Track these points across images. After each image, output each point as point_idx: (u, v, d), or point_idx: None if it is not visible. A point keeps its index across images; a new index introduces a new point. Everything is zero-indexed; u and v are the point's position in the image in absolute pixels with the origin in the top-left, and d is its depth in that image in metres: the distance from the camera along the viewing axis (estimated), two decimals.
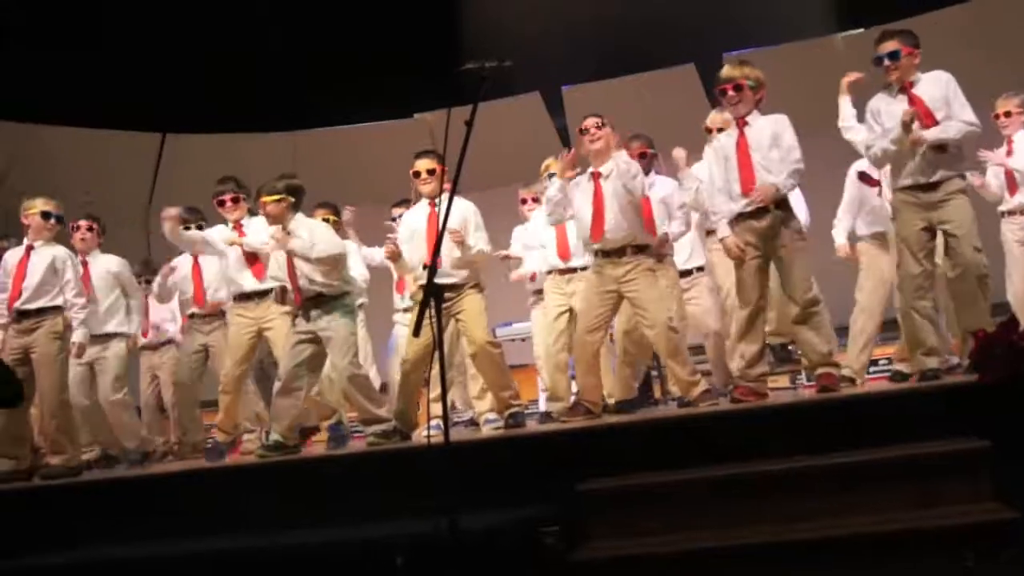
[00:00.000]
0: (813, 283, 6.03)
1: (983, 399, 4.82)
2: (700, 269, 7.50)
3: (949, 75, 5.87)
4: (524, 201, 7.87)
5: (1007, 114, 7.16)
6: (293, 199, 6.53)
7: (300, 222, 6.54)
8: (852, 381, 6.43)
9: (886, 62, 5.89)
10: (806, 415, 5.31)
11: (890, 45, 5.89)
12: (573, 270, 7.20)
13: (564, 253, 7.22)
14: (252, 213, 7.23)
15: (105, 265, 7.79)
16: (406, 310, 7.80)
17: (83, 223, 7.78)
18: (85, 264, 7.67)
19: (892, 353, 7.00)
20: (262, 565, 4.72)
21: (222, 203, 7.21)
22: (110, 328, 7.73)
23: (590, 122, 6.47)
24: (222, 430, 7.24)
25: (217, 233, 7.21)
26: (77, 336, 7.02)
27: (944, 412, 4.92)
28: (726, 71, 6.09)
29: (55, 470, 6.77)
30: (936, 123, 5.75)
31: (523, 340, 8.57)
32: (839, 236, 6.98)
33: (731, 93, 6.03)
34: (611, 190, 6.36)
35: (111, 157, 11.96)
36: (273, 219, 6.51)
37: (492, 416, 7.00)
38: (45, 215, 7.15)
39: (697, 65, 11.85)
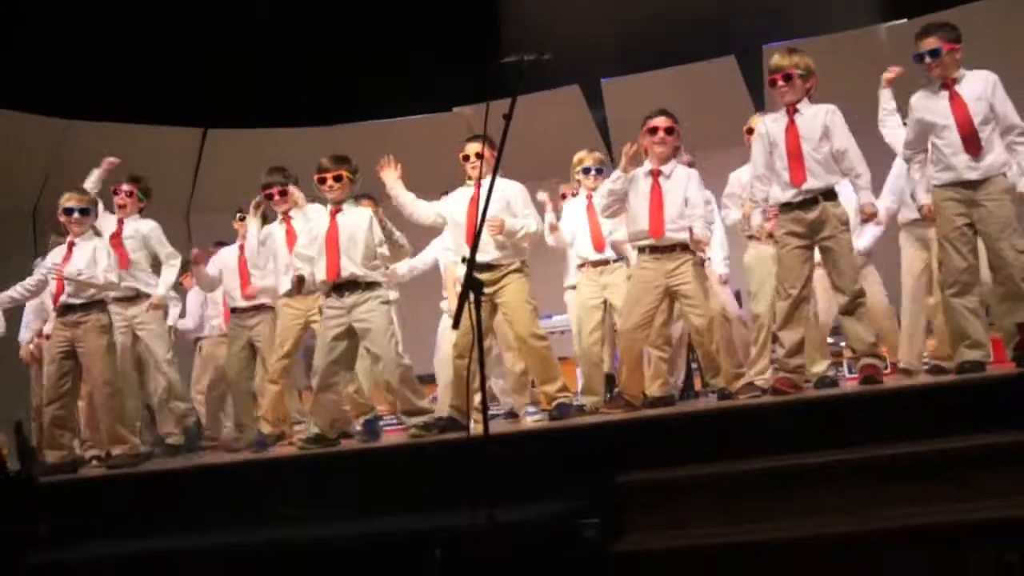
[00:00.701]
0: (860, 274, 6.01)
1: None
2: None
3: (995, 77, 5.76)
4: (564, 196, 7.88)
5: None
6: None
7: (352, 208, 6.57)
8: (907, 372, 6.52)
9: (927, 60, 5.80)
10: (846, 407, 5.27)
11: (930, 42, 5.80)
12: (606, 262, 7.20)
13: (599, 244, 7.21)
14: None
15: (135, 226, 7.80)
16: None
17: (124, 187, 7.79)
18: (120, 224, 7.72)
19: (930, 348, 6.95)
20: (300, 557, 4.75)
21: (270, 196, 7.27)
22: (139, 286, 7.72)
23: (661, 122, 6.44)
24: (267, 421, 7.30)
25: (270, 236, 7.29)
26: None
27: (986, 404, 4.87)
28: (775, 60, 6.03)
29: (120, 459, 6.85)
30: (973, 129, 5.65)
31: (562, 333, 8.57)
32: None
33: (780, 83, 5.97)
34: (671, 189, 6.38)
35: (153, 152, 12.05)
36: (339, 192, 6.49)
37: (532, 408, 6.99)
38: (67, 211, 7.18)
39: (737, 57, 11.80)
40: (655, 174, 6.45)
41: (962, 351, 5.70)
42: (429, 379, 7.95)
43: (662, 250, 6.35)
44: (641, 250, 6.44)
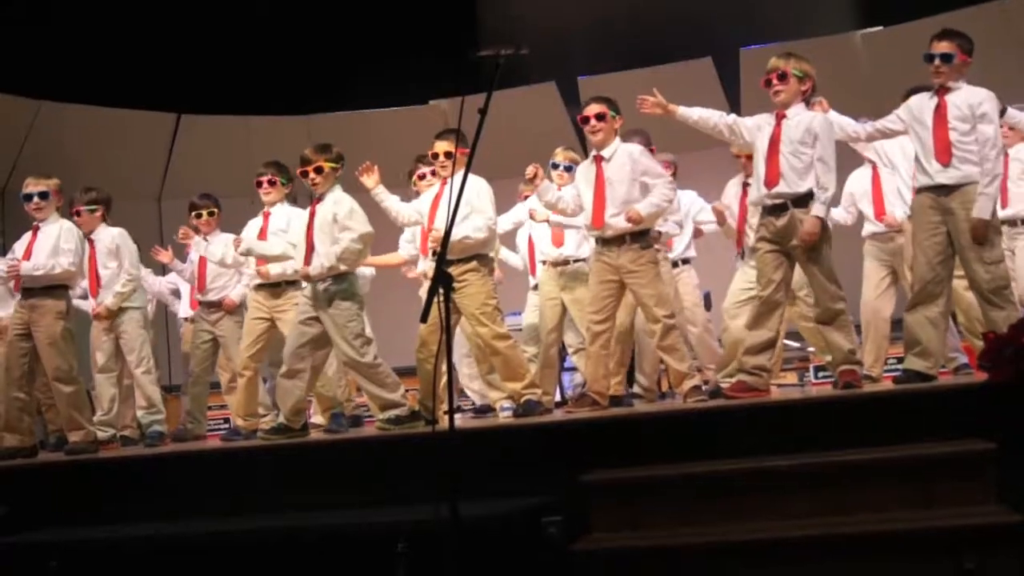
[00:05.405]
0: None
1: (990, 400, 4.77)
2: (686, 262, 7.49)
3: (991, 96, 5.70)
4: (525, 197, 7.88)
5: None
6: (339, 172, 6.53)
7: (341, 196, 6.46)
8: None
9: (936, 62, 5.73)
10: (810, 412, 5.28)
11: (945, 46, 5.74)
12: (566, 261, 7.20)
13: (558, 241, 7.20)
14: (291, 200, 7.29)
15: (108, 236, 7.57)
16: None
17: (80, 207, 7.53)
18: (91, 241, 7.58)
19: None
20: (264, 548, 4.73)
21: (260, 184, 7.30)
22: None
23: (590, 111, 6.38)
24: (239, 415, 7.25)
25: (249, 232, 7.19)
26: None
27: (950, 413, 4.89)
28: (772, 61, 5.96)
29: (78, 446, 6.79)
30: (946, 138, 5.64)
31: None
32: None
33: (776, 82, 5.90)
34: (613, 175, 6.30)
35: (125, 136, 11.97)
36: (322, 182, 6.39)
37: (507, 404, 6.96)
38: (26, 197, 7.08)
39: (714, 59, 11.82)
40: (598, 160, 6.38)
41: (910, 359, 5.69)
42: (407, 371, 7.85)
43: (609, 242, 6.28)
44: (596, 241, 6.40)
